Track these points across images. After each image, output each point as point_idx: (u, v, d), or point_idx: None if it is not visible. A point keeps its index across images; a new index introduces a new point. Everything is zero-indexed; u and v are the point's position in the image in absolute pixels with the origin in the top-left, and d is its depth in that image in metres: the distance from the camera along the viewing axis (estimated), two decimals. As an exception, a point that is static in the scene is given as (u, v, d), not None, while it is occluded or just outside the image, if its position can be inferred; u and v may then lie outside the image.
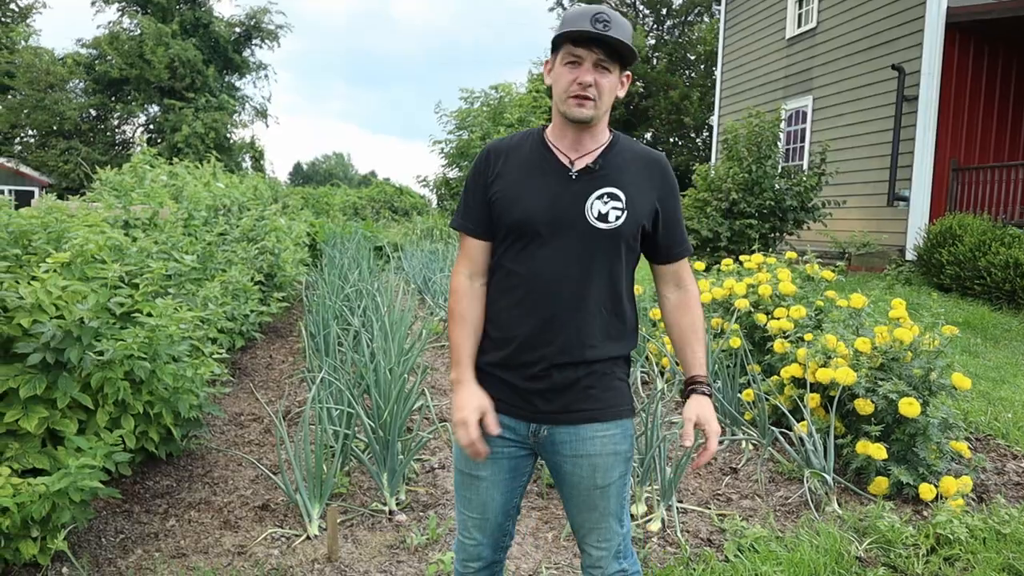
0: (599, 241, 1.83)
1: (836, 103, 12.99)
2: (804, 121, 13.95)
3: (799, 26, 14.23)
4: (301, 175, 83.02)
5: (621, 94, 1.91)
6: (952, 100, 10.89)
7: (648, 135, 27.81)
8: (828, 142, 11.73)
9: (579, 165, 1.88)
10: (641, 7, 28.96)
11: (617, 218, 1.83)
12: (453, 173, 22.51)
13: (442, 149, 22.33)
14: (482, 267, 1.95)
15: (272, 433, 4.49)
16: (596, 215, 1.83)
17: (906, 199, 11.26)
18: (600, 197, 1.84)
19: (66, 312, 3.01)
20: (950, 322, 7.14)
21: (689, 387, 1.95)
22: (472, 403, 1.86)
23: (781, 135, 11.97)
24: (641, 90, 25.92)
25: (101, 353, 3.01)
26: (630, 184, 1.87)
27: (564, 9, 29.41)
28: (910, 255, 10.89)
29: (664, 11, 28.83)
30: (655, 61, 25.71)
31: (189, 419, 3.79)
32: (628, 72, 1.91)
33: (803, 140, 13.94)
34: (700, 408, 1.90)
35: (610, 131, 1.96)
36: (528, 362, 1.85)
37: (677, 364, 5.58)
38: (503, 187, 1.89)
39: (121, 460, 3.03)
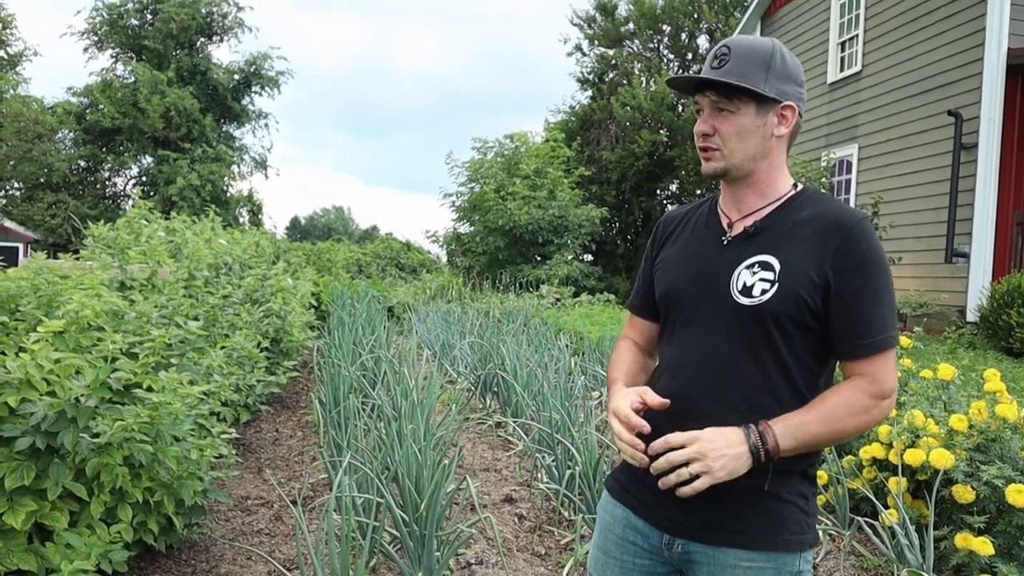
0: (742, 321, 1.59)
1: (885, 152, 12.89)
2: (849, 171, 13.86)
3: (842, 70, 14.24)
4: (299, 229, 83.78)
5: (781, 132, 1.64)
6: (1015, 148, 10.76)
7: (674, 186, 27.80)
8: (878, 194, 11.60)
9: (737, 229, 1.69)
10: (665, 52, 29.26)
11: (763, 292, 1.57)
12: (465, 228, 22.47)
13: (453, 202, 22.33)
14: (647, 350, 1.89)
15: (284, 521, 4.26)
16: (740, 288, 1.61)
17: (966, 255, 11.05)
18: (750, 267, 1.61)
19: (59, 388, 2.84)
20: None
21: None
22: (620, 399, 1.64)
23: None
24: (666, 139, 26.01)
25: (97, 435, 2.82)
26: (792, 251, 1.59)
27: (583, 55, 29.76)
28: (972, 316, 10.65)
29: (690, 56, 29.12)
30: (680, 108, 25.87)
31: (192, 506, 3.59)
32: (789, 103, 1.63)
33: (848, 191, 13.83)
34: (714, 430, 1.53)
35: (793, 186, 1.71)
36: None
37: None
38: (663, 258, 1.79)
39: (119, 559, 2.82)
